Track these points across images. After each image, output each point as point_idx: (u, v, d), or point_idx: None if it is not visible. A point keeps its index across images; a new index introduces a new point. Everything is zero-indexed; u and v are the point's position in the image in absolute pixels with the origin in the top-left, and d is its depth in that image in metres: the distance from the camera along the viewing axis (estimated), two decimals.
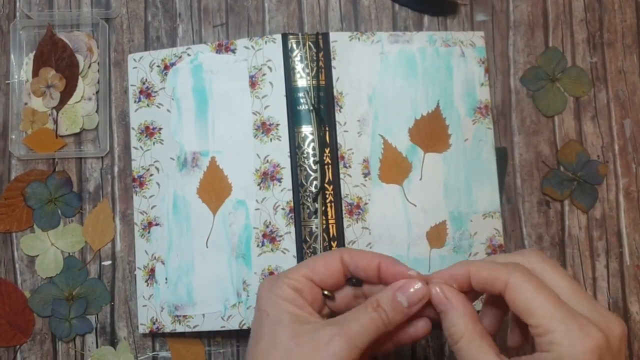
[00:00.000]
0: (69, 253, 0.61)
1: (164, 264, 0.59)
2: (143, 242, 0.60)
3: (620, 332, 0.37)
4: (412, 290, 0.40)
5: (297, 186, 0.58)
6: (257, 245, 0.58)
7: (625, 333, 0.37)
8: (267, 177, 0.59)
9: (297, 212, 0.58)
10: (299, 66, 0.60)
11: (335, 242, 0.58)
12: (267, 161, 0.59)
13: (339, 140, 0.59)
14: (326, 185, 0.58)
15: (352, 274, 0.43)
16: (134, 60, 0.62)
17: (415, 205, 0.60)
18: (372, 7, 0.64)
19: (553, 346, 0.36)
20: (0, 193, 0.62)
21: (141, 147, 0.61)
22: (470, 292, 0.41)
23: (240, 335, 0.60)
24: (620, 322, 0.38)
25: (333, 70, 0.60)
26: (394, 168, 0.60)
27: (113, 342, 0.60)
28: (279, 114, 0.59)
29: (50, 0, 0.64)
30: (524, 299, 0.37)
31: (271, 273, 0.57)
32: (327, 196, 0.58)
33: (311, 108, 0.59)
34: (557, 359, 0.35)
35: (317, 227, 0.58)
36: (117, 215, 0.62)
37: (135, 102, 0.62)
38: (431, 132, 0.61)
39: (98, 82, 0.63)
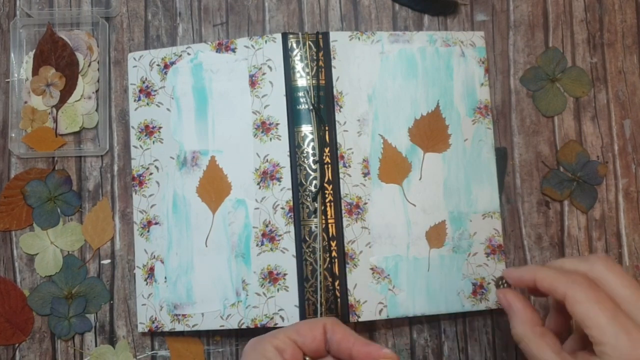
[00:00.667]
0: (68, 252, 0.61)
1: (163, 263, 0.59)
2: (142, 241, 0.60)
3: None
4: None
5: (297, 185, 0.58)
6: (257, 245, 0.58)
7: None
8: (267, 176, 0.59)
9: (297, 212, 0.58)
10: (299, 65, 0.60)
11: (335, 242, 0.58)
12: (267, 160, 0.59)
13: (339, 139, 0.59)
14: (326, 185, 0.58)
15: (328, 344, 0.43)
16: (134, 59, 0.62)
17: (414, 205, 0.60)
18: (372, 7, 0.64)
19: (604, 356, 0.39)
20: None
21: (141, 146, 0.61)
22: (539, 293, 0.45)
23: (240, 335, 0.60)
24: None
25: (333, 69, 0.60)
26: (394, 168, 0.60)
27: (112, 340, 0.60)
28: (279, 113, 0.59)
29: None
30: (580, 312, 0.40)
31: (270, 272, 0.58)
32: (327, 196, 0.58)
33: (311, 107, 0.59)
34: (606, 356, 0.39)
35: (316, 227, 0.58)
36: (116, 214, 0.62)
37: (135, 100, 0.62)
38: (431, 132, 0.61)
39: (98, 81, 0.63)
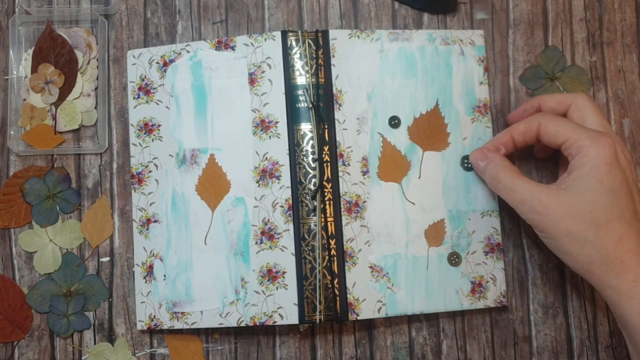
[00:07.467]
0: (67, 249, 0.61)
1: (162, 260, 0.59)
2: (141, 239, 0.60)
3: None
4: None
5: (296, 184, 0.58)
6: (256, 243, 0.58)
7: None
8: (266, 174, 0.59)
9: (296, 210, 0.58)
10: (298, 64, 0.60)
11: (334, 240, 0.58)
12: (266, 159, 0.59)
13: (338, 138, 0.59)
14: (325, 183, 0.58)
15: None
16: (133, 56, 0.62)
17: (413, 204, 0.60)
18: (371, 5, 0.64)
19: (584, 158, 0.50)
20: None
21: (140, 144, 0.61)
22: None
23: (238, 333, 0.60)
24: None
25: (332, 67, 0.60)
26: (393, 166, 0.60)
27: (111, 338, 0.60)
28: (278, 111, 0.59)
29: None
30: (552, 130, 0.53)
31: (269, 271, 0.58)
32: (326, 194, 0.58)
33: (310, 106, 0.59)
34: (585, 156, 0.50)
35: (315, 225, 0.58)
36: (115, 211, 0.62)
37: (134, 98, 0.62)
38: (430, 130, 0.61)
39: (97, 79, 0.63)
